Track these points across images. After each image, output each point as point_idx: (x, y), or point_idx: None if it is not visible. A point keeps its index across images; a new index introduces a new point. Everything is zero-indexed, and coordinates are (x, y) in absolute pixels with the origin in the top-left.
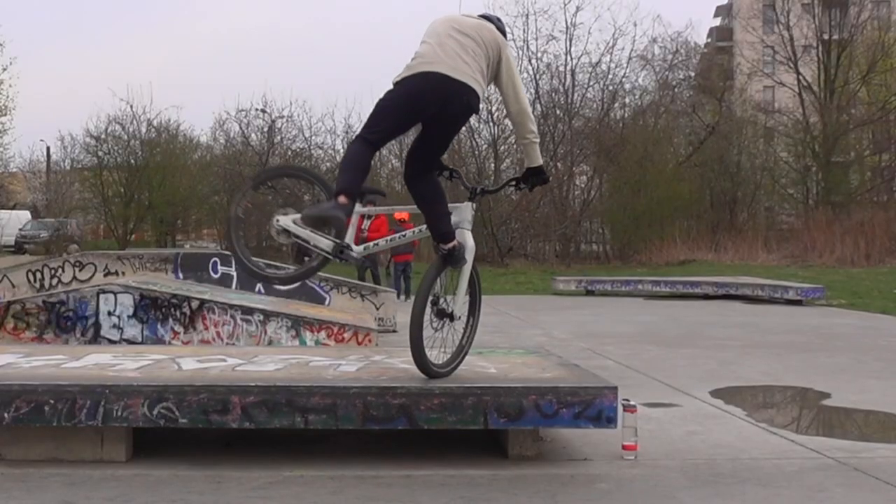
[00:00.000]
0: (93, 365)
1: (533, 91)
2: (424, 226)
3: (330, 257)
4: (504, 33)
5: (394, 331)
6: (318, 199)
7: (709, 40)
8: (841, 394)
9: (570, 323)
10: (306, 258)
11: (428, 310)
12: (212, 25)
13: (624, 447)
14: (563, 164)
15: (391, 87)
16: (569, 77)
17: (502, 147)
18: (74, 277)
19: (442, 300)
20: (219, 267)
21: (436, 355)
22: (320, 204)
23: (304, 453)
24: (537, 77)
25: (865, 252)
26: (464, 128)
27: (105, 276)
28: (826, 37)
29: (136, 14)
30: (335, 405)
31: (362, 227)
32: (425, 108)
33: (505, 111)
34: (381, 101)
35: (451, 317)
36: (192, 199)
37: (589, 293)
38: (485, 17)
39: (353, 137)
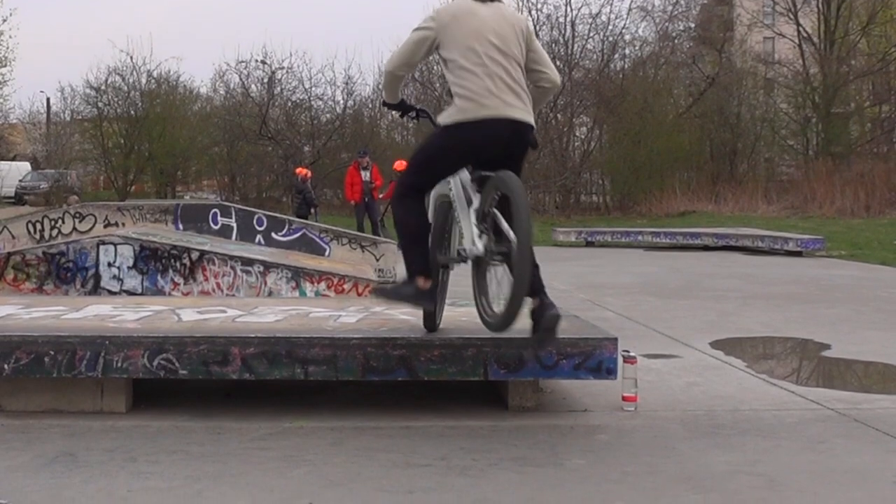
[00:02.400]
0: (93, 316)
1: None
2: None
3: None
4: None
5: (393, 282)
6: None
7: None
8: (841, 345)
9: (570, 274)
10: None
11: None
12: None
13: (624, 398)
14: (562, 115)
15: (438, 127)
16: (569, 28)
17: None
18: (74, 228)
19: (440, 255)
20: (219, 218)
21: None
22: (401, 288)
23: (304, 405)
24: (537, 28)
25: (865, 203)
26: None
27: (105, 227)
28: None
29: None
30: (335, 356)
31: (364, 179)
32: (485, 154)
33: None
34: (430, 145)
35: (447, 267)
36: (192, 151)
37: (589, 244)
38: None
39: (399, 192)
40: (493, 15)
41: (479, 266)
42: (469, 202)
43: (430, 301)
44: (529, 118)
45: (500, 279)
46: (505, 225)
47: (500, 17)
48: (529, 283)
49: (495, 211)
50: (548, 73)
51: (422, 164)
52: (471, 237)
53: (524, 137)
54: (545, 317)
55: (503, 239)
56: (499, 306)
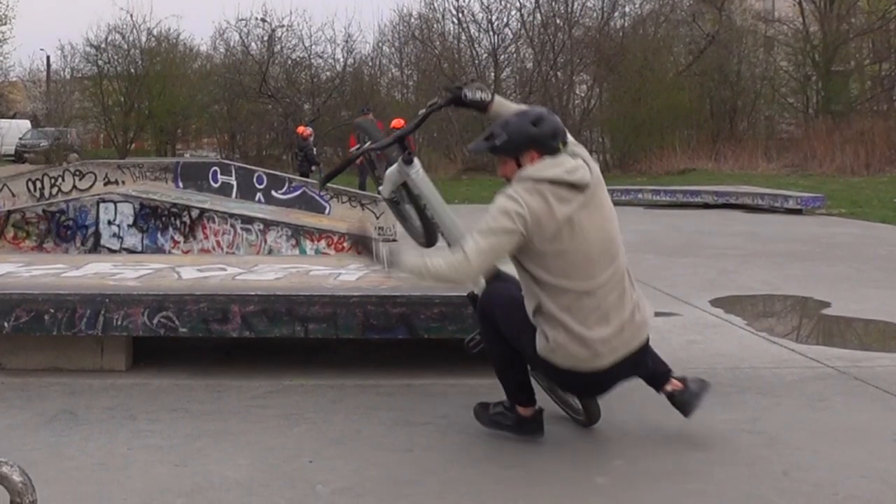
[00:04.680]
0: (93, 274)
1: (533, 0)
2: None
3: None
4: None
5: (394, 240)
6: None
7: None
8: (841, 303)
9: None
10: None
11: None
12: None
13: None
14: (562, 73)
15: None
16: None
17: (502, 56)
18: (74, 186)
19: None
20: (219, 176)
21: None
22: (499, 416)
23: (304, 363)
24: None
25: (865, 161)
26: (463, 36)
27: (105, 185)
28: None
29: None
30: (335, 314)
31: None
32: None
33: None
34: (553, 368)
35: None
36: (192, 109)
37: None
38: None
39: (487, 337)
40: (593, 184)
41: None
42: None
43: (539, 429)
44: (648, 327)
45: None
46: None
47: (599, 187)
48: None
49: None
50: None
51: (553, 380)
52: None
53: (645, 357)
54: (689, 403)
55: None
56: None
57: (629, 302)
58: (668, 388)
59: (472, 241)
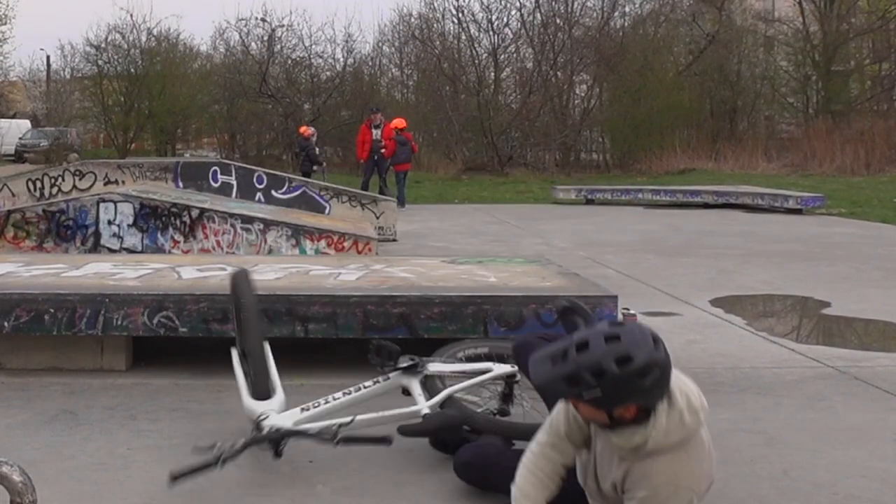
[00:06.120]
0: (93, 274)
1: (533, 0)
2: None
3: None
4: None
5: (394, 240)
6: None
7: None
8: (841, 303)
9: (570, 232)
10: None
11: None
12: None
13: None
14: (562, 72)
15: None
16: None
17: (502, 56)
18: (74, 186)
19: None
20: (219, 176)
21: None
22: None
23: (304, 363)
24: None
25: (865, 161)
26: (463, 36)
27: (105, 184)
28: None
29: None
30: (335, 314)
31: (374, 137)
32: None
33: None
34: None
35: None
36: (192, 108)
37: (589, 202)
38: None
39: None
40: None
41: None
42: None
43: None
44: None
45: None
46: None
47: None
48: None
49: None
50: None
51: None
52: None
53: None
54: None
55: None
56: None
57: None
58: None
59: None
